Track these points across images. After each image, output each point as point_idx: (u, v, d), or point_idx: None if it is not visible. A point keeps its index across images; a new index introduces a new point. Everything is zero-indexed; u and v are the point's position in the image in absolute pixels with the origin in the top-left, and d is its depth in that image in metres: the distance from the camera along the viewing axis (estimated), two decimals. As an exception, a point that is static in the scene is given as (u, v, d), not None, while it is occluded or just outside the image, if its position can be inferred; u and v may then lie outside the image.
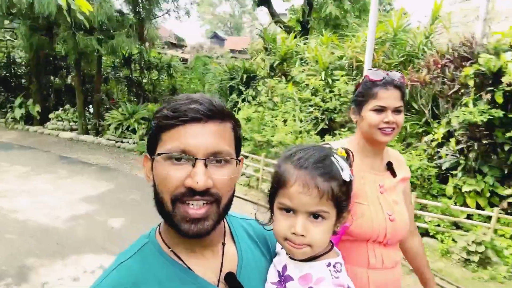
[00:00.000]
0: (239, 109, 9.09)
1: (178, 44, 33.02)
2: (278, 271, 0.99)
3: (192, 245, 0.91)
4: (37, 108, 13.76)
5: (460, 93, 5.60)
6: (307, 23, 14.36)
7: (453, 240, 5.32)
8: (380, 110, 1.56)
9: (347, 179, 0.92)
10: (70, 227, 5.79)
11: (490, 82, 5.30)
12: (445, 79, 5.82)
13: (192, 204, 0.81)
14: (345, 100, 7.45)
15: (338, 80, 7.44)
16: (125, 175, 8.63)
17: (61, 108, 13.81)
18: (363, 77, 1.67)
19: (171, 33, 34.96)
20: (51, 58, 14.50)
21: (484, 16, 8.83)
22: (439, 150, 6.08)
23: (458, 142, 5.67)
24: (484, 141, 5.42)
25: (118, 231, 5.74)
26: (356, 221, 1.48)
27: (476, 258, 4.94)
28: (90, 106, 13.77)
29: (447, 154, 5.77)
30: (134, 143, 10.91)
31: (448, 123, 5.88)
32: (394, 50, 7.55)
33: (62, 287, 4.26)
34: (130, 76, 13.32)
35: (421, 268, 1.80)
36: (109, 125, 11.58)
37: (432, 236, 5.51)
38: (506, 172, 5.39)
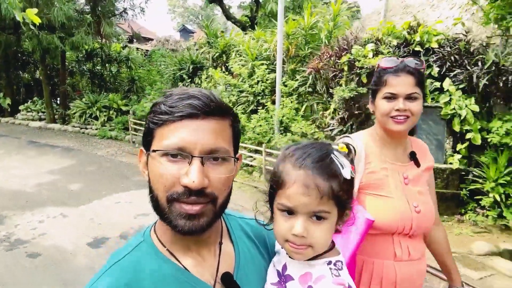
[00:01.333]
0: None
1: (145, 37, 34.00)
2: (278, 271, 0.97)
3: (188, 244, 0.90)
4: (8, 101, 14.91)
5: (339, 76, 7.26)
6: (254, 19, 15.91)
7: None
8: (391, 97, 1.51)
9: (348, 177, 0.90)
10: (37, 191, 7.22)
11: (357, 67, 6.97)
12: (330, 66, 7.48)
13: (189, 202, 0.80)
14: (265, 85, 9.06)
15: (259, 69, 9.04)
16: (86, 154, 10.04)
17: (30, 100, 15.00)
18: (377, 65, 1.63)
19: (139, 27, 35.94)
20: (19, 55, 15.59)
21: (384, 12, 10.57)
22: (331, 122, 7.78)
23: (337, 113, 7.37)
24: (356, 112, 7.12)
25: (76, 192, 7.20)
26: (381, 214, 1.47)
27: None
28: (58, 98, 14.98)
29: (330, 123, 7.47)
30: (96, 129, 12.29)
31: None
32: (306, 44, 9.18)
33: (29, 226, 5.73)
34: (93, 69, 14.62)
35: (443, 256, 1.75)
36: (74, 113, 12.90)
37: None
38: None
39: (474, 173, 5.99)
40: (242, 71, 9.22)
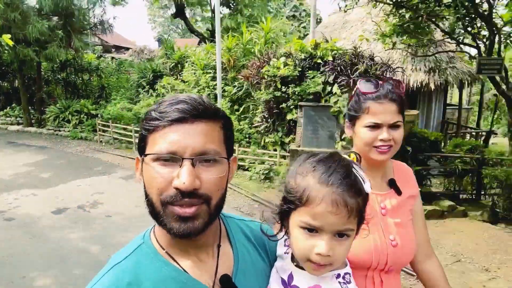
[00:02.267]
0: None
1: (123, 46, 35.42)
2: (283, 280, 0.96)
3: (186, 246, 0.91)
4: (-12, 107, 16.24)
5: (261, 83, 8.99)
6: (214, 32, 17.64)
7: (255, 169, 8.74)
8: (375, 126, 1.38)
9: (369, 191, 0.90)
10: (14, 178, 8.67)
11: (270, 76, 8.69)
12: (255, 75, 9.20)
13: (182, 204, 0.81)
14: (210, 91, 10.77)
15: (203, 77, 10.76)
16: (58, 151, 11.50)
17: (9, 107, 16.35)
18: (355, 89, 1.47)
19: (119, 37, 37.37)
20: (-2, 65, 16.95)
21: (313, 26, 12.38)
22: (258, 119, 9.49)
23: (262, 112, 9.09)
24: (275, 111, 8.84)
25: (46, 179, 8.69)
26: (354, 248, 1.19)
27: (263, 176, 8.39)
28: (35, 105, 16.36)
29: (258, 121, 9.19)
30: (69, 131, 13.76)
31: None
32: (244, 56, 10.94)
33: (6, 201, 7.19)
34: (67, 78, 16.11)
35: None
36: (49, 117, 14.34)
37: (247, 169, 8.91)
38: (287, 129, 8.84)
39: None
40: (190, 78, 10.91)
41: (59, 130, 14.16)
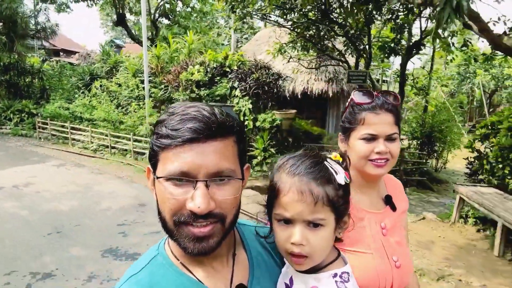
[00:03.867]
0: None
1: (71, 50, 35.50)
2: (286, 284, 0.96)
3: (200, 258, 0.88)
4: None
5: (180, 86, 10.49)
6: (154, 40, 18.91)
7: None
8: (370, 138, 1.27)
9: (342, 182, 0.89)
10: (-46, 166, 9.56)
11: (184, 80, 10.22)
12: (175, 79, 10.69)
13: (196, 224, 0.79)
14: (139, 92, 12.11)
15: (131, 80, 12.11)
16: (-2, 145, 12.35)
17: (-49, 107, 16.65)
18: (349, 100, 1.35)
19: (70, 41, 37.32)
20: None
21: (233, 42, 14.09)
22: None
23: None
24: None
25: (-15, 167, 9.66)
26: (358, 274, 1.12)
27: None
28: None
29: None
30: (10, 129, 14.49)
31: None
32: (170, 62, 12.39)
33: None
34: (10, 80, 16.72)
35: None
36: (-9, 116, 14.98)
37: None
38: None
39: (252, 144, 9.46)
40: (122, 81, 12.20)
41: (1, 128, 14.81)
